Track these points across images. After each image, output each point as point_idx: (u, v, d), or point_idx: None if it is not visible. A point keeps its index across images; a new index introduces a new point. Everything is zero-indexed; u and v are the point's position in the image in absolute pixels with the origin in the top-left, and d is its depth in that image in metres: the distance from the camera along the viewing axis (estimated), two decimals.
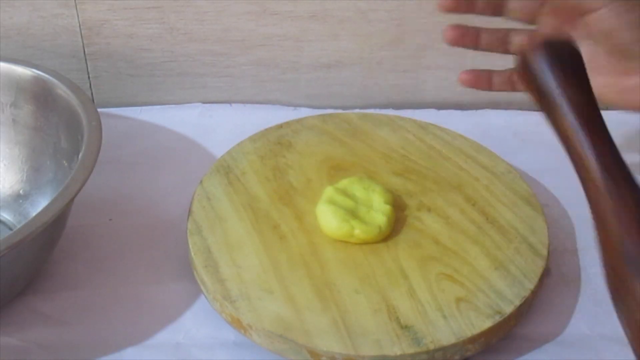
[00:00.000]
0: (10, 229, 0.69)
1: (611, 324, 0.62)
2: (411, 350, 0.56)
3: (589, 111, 0.45)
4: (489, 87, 0.64)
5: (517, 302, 0.59)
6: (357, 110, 0.82)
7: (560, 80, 0.46)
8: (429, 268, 0.62)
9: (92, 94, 0.85)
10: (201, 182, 0.70)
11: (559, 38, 0.48)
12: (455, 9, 0.59)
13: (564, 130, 0.45)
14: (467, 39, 0.61)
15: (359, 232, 0.63)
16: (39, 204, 0.67)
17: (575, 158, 0.42)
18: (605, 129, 0.44)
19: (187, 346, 0.60)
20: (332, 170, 0.71)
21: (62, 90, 0.68)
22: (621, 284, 0.37)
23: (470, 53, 0.83)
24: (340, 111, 0.82)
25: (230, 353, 0.60)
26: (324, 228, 0.64)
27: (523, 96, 0.86)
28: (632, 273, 0.37)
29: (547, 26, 0.57)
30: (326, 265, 0.62)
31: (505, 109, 0.85)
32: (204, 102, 0.85)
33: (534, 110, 0.85)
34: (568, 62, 0.46)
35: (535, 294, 0.61)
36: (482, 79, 0.63)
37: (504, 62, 0.86)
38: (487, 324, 0.57)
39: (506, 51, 0.60)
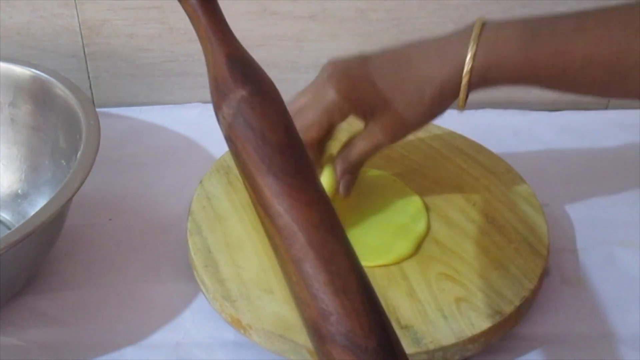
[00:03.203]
0: (9, 228, 0.69)
1: (611, 324, 0.62)
2: (411, 350, 0.55)
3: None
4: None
5: (517, 302, 0.59)
6: None
7: None
8: (429, 268, 0.62)
9: (92, 94, 0.85)
10: (201, 182, 0.70)
11: None
12: None
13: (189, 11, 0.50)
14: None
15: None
16: (38, 204, 0.67)
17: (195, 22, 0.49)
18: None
19: (187, 346, 0.60)
20: None
21: (60, 89, 0.68)
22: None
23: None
24: None
25: (230, 353, 0.60)
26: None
27: (523, 96, 0.86)
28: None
29: None
30: None
31: (505, 108, 0.85)
32: (204, 102, 0.85)
33: (534, 110, 0.85)
34: None
35: (535, 294, 0.61)
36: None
37: None
38: (487, 324, 0.57)
39: None
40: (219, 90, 0.48)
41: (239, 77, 0.48)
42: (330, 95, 0.60)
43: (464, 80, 0.58)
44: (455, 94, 0.59)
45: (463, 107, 0.59)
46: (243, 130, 0.45)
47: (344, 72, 0.60)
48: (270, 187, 0.43)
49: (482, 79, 0.58)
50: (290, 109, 0.52)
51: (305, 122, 0.60)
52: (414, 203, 0.67)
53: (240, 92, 0.47)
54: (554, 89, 0.58)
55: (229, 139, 0.47)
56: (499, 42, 0.57)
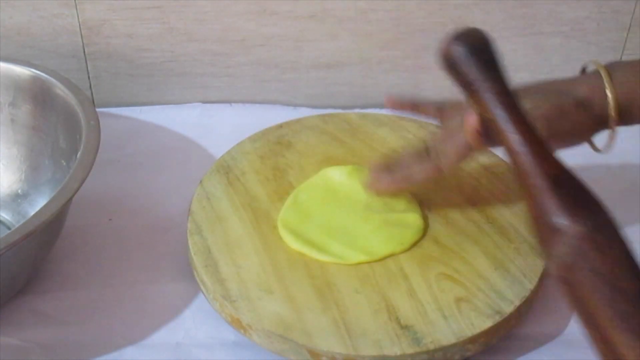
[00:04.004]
0: (9, 228, 0.69)
1: None
2: (411, 350, 0.55)
3: (506, 95, 0.50)
4: (414, 112, 0.68)
5: (517, 302, 0.59)
6: (357, 110, 0.82)
7: (478, 67, 0.50)
8: (429, 268, 0.62)
9: (92, 94, 0.85)
10: (201, 182, 0.70)
11: (471, 30, 0.53)
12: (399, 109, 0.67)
13: (486, 112, 0.49)
14: (406, 107, 0.67)
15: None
16: (38, 204, 0.67)
17: (500, 135, 0.47)
18: (520, 109, 0.48)
19: (187, 346, 0.60)
20: None
21: (60, 89, 0.68)
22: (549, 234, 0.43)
23: None
24: (340, 111, 0.82)
25: (230, 353, 0.60)
26: None
27: None
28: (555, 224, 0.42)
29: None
30: (326, 265, 0.62)
31: None
32: (204, 102, 0.85)
33: None
34: (482, 50, 0.51)
35: (535, 294, 0.61)
36: (405, 106, 0.67)
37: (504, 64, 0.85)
38: (487, 324, 0.57)
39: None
40: (544, 222, 0.43)
41: (573, 208, 0.43)
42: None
43: (613, 121, 0.57)
44: (587, 133, 0.58)
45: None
46: (587, 276, 0.41)
47: None
48: (628, 346, 0.39)
49: (627, 108, 0.57)
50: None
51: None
52: (404, 197, 0.67)
53: (577, 228, 0.42)
54: None
55: (564, 281, 0.42)
56: (632, 77, 0.57)
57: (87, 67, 0.83)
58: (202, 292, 0.62)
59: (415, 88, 0.85)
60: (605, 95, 0.56)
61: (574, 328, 0.61)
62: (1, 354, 0.59)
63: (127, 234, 0.69)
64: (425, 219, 0.66)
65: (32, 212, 0.57)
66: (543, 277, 0.62)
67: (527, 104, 0.55)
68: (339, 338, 0.56)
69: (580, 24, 0.81)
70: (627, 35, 0.82)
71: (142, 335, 0.61)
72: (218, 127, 0.82)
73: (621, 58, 0.83)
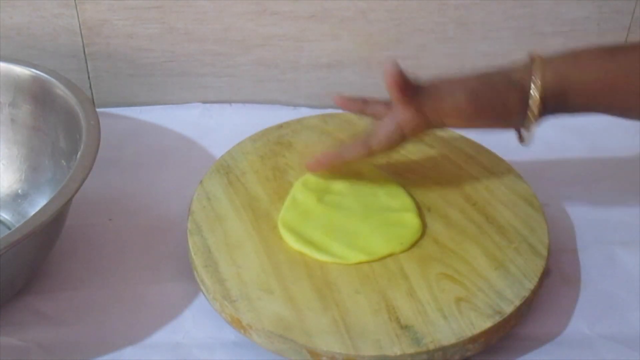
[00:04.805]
0: (9, 228, 0.69)
1: (611, 324, 0.62)
2: (411, 350, 0.55)
3: None
4: (361, 112, 0.70)
5: (517, 302, 0.59)
6: None
7: None
8: (429, 268, 0.62)
9: (92, 94, 0.85)
10: (201, 182, 0.70)
11: None
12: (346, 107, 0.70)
13: None
14: (354, 105, 0.69)
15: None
16: (38, 204, 0.67)
17: None
18: None
19: (187, 346, 0.60)
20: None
21: (60, 89, 0.68)
22: None
23: (470, 54, 0.83)
24: (340, 111, 0.82)
25: (230, 353, 0.60)
26: None
27: None
28: None
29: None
30: (326, 265, 0.62)
31: None
32: (204, 102, 0.85)
33: None
34: None
35: (535, 294, 0.61)
36: (353, 105, 0.70)
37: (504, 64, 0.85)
38: (487, 324, 0.57)
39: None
40: None
41: None
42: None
43: (536, 104, 0.59)
44: (516, 115, 0.60)
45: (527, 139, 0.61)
46: None
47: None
48: None
49: (554, 105, 0.59)
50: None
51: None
52: (401, 197, 0.67)
53: None
54: (632, 109, 0.59)
55: None
56: (570, 67, 0.59)
57: (87, 67, 0.83)
58: (202, 292, 0.62)
59: None
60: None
61: (574, 328, 0.61)
62: (1, 354, 0.59)
63: (127, 234, 0.69)
64: (424, 218, 0.66)
65: (32, 212, 0.57)
66: (543, 277, 0.62)
67: (461, 81, 0.60)
68: (339, 338, 0.56)
69: (580, 24, 0.81)
70: (627, 35, 0.82)
71: (142, 335, 0.61)
72: (218, 127, 0.82)
73: None
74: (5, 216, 0.70)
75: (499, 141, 0.77)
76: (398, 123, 0.63)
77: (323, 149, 0.72)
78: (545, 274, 0.63)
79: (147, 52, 0.82)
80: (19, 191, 0.70)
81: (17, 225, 0.56)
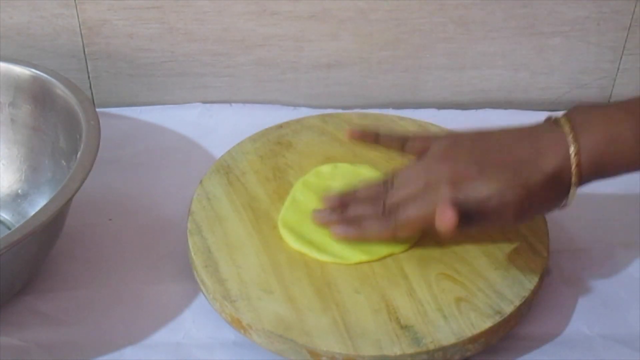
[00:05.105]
0: (9, 228, 0.69)
1: (611, 324, 0.62)
2: (411, 350, 0.55)
3: None
4: (376, 144, 0.67)
5: (517, 302, 0.59)
6: (357, 110, 0.82)
7: None
8: (429, 268, 0.62)
9: (92, 94, 0.85)
10: (201, 182, 0.70)
11: None
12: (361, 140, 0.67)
13: None
14: (367, 138, 0.66)
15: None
16: (38, 204, 0.67)
17: None
18: None
19: (187, 346, 0.60)
20: None
21: (60, 89, 0.68)
22: None
23: (470, 54, 0.83)
24: (340, 111, 0.82)
25: (230, 353, 0.60)
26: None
27: (523, 96, 0.86)
28: None
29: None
30: (326, 265, 0.62)
31: (505, 109, 0.85)
32: (204, 102, 0.85)
33: (534, 110, 0.85)
34: None
35: (535, 294, 0.61)
36: (367, 138, 0.67)
37: (504, 64, 0.86)
38: (487, 324, 0.57)
39: (402, 151, 0.65)
40: None
41: None
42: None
43: (573, 195, 0.58)
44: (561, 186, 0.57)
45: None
46: None
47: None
48: None
49: (594, 171, 0.57)
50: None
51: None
52: None
53: None
54: None
55: None
56: (608, 132, 0.56)
57: (87, 67, 0.83)
58: (202, 292, 0.62)
59: (415, 88, 0.85)
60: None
61: (574, 328, 0.61)
62: (1, 354, 0.59)
63: (127, 234, 0.69)
64: None
65: (32, 212, 0.57)
66: (543, 277, 0.62)
67: (493, 184, 0.56)
68: (339, 338, 0.56)
69: (580, 24, 0.81)
70: (627, 35, 0.82)
71: (142, 335, 0.61)
72: (218, 127, 0.82)
73: (621, 58, 0.83)
74: (5, 216, 0.70)
75: None
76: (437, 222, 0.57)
77: (323, 150, 0.72)
78: (545, 274, 0.63)
79: (147, 52, 0.82)
80: (19, 191, 0.71)
81: (17, 225, 0.56)
